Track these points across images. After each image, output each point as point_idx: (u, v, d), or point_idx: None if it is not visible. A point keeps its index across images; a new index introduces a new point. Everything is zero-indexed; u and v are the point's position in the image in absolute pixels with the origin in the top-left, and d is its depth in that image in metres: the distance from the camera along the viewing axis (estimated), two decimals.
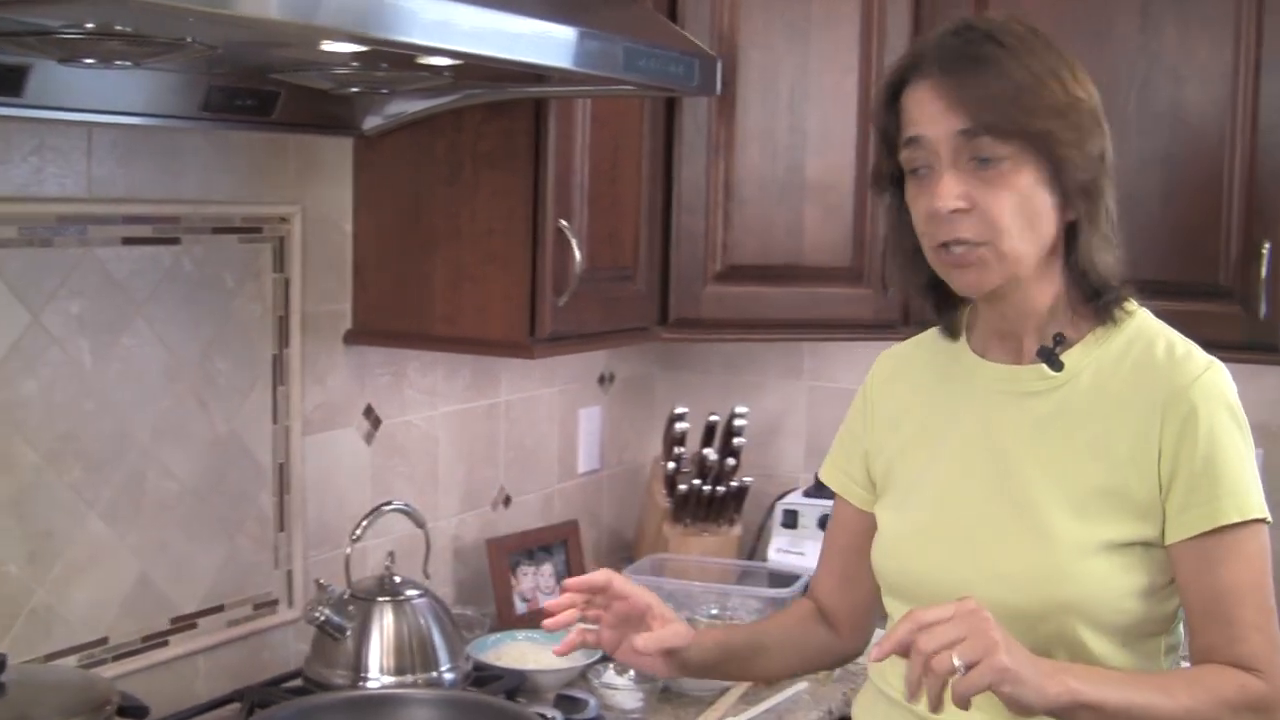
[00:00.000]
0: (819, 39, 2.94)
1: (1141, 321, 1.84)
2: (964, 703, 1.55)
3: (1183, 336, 1.83)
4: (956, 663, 1.54)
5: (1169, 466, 1.73)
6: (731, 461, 3.28)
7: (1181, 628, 1.86)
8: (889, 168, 1.84)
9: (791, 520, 3.28)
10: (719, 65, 2.33)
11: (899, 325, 3.02)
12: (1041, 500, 1.78)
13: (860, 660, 2.12)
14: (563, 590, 1.91)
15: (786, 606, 2.18)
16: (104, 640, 2.25)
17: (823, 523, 3.22)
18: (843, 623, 2.07)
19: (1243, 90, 2.73)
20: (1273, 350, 2.75)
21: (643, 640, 1.86)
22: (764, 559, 3.32)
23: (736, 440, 3.29)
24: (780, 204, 2.94)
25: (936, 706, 1.56)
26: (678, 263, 2.90)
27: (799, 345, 3.55)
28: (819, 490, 3.32)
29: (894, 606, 1.92)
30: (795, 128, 2.94)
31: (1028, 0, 2.84)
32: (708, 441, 3.31)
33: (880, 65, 2.94)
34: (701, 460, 3.29)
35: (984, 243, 1.73)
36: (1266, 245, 2.71)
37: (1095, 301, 1.81)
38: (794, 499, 3.33)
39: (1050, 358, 1.81)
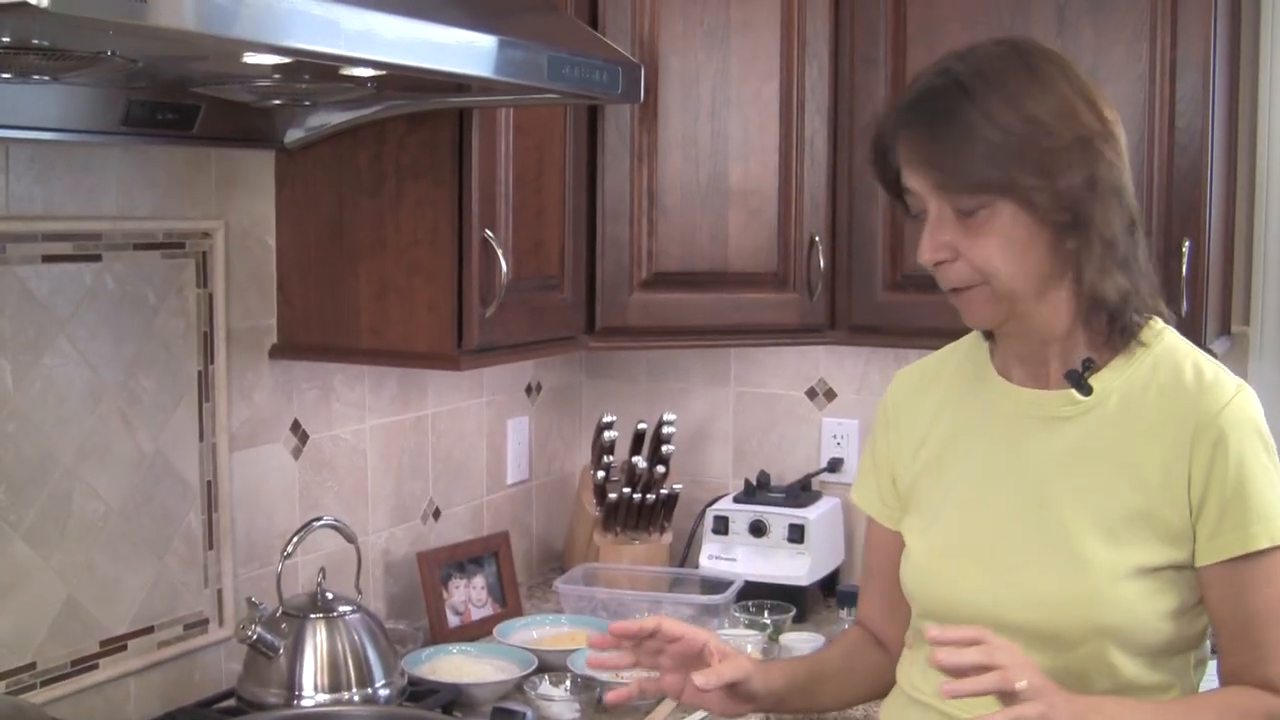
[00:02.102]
0: (739, 45, 2.95)
1: (1169, 343, 1.83)
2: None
3: (1210, 358, 1.83)
4: (1022, 685, 1.58)
5: (1199, 492, 1.74)
6: (661, 469, 3.28)
7: (1209, 642, 1.88)
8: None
9: (722, 526, 3.28)
10: (642, 72, 2.34)
11: (825, 329, 3.04)
12: (1073, 524, 1.78)
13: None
14: (611, 633, 1.89)
15: (841, 635, 2.18)
16: (31, 665, 2.21)
17: (754, 528, 3.23)
18: (893, 644, 2.05)
19: (1159, 91, 2.76)
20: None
21: (702, 677, 1.83)
22: (696, 566, 3.32)
23: (665, 448, 3.29)
24: (704, 210, 2.94)
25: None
26: (603, 271, 2.90)
27: (725, 351, 3.56)
28: (749, 496, 3.33)
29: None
30: (717, 133, 2.95)
31: (945, 5, 2.88)
32: (636, 450, 3.31)
33: (801, 70, 2.96)
34: (631, 468, 3.28)
35: (979, 284, 1.76)
36: (1186, 244, 2.74)
37: (1114, 326, 1.79)
38: (724, 505, 3.33)
39: (1079, 382, 1.80)
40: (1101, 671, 1.76)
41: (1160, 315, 1.85)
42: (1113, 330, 1.79)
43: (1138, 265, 1.77)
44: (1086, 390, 1.79)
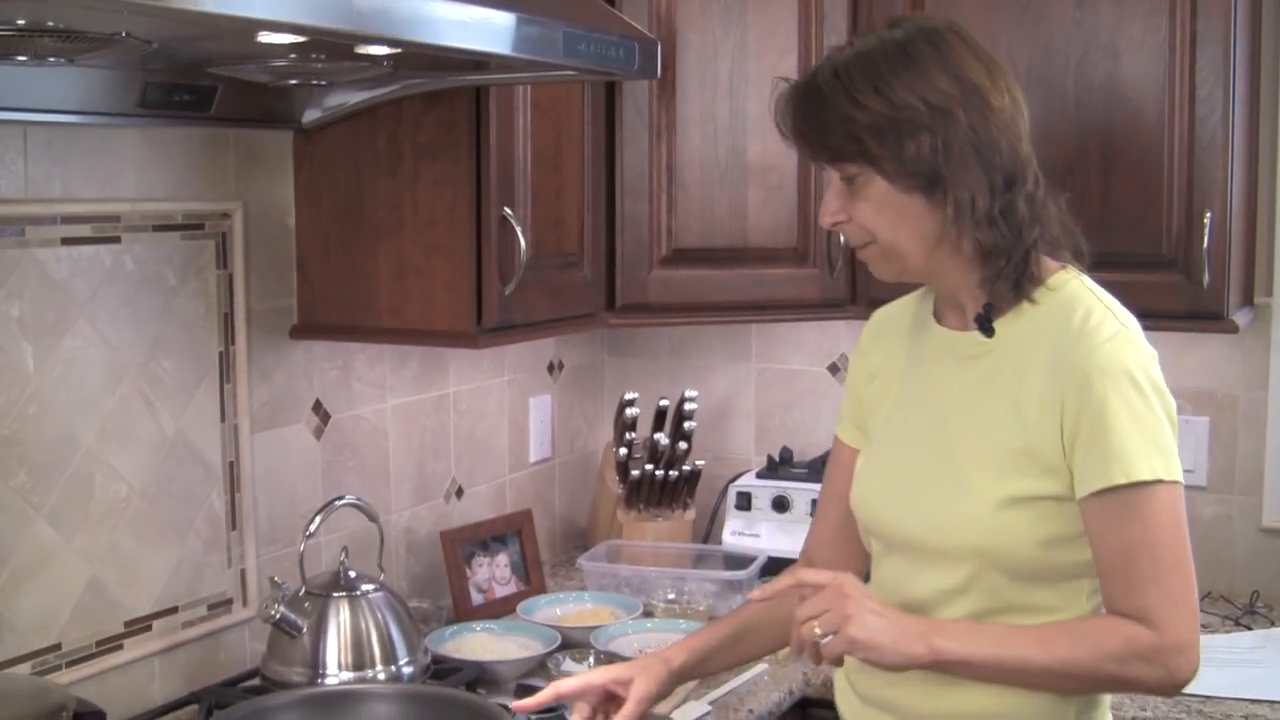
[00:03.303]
0: (756, 21, 2.94)
1: (1071, 291, 1.93)
2: (835, 661, 1.87)
3: (1111, 305, 1.91)
4: (818, 632, 1.81)
5: (1071, 430, 1.85)
6: (683, 446, 3.28)
7: None
8: None
9: (745, 502, 3.28)
10: (659, 48, 2.33)
11: (846, 304, 3.03)
12: (964, 454, 1.93)
13: None
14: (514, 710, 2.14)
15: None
16: (56, 646, 2.23)
17: (777, 504, 3.23)
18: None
19: (1179, 62, 2.74)
20: (1216, 319, 2.78)
21: (621, 717, 2.01)
22: (719, 542, 3.32)
23: (687, 424, 3.29)
24: (723, 187, 2.94)
25: (816, 662, 1.86)
26: (623, 248, 2.90)
27: (746, 327, 3.55)
28: (771, 472, 3.33)
29: (872, 544, 2.08)
30: (736, 109, 2.94)
31: None
32: (658, 426, 3.30)
33: (820, 45, 2.94)
34: (653, 445, 3.28)
35: (869, 242, 1.93)
36: (1208, 215, 2.73)
37: (1000, 276, 1.90)
38: (747, 481, 3.33)
39: (984, 324, 1.94)
40: (984, 590, 1.91)
41: (1080, 261, 1.96)
42: (999, 279, 1.90)
43: (1017, 218, 1.87)
44: (989, 333, 1.93)
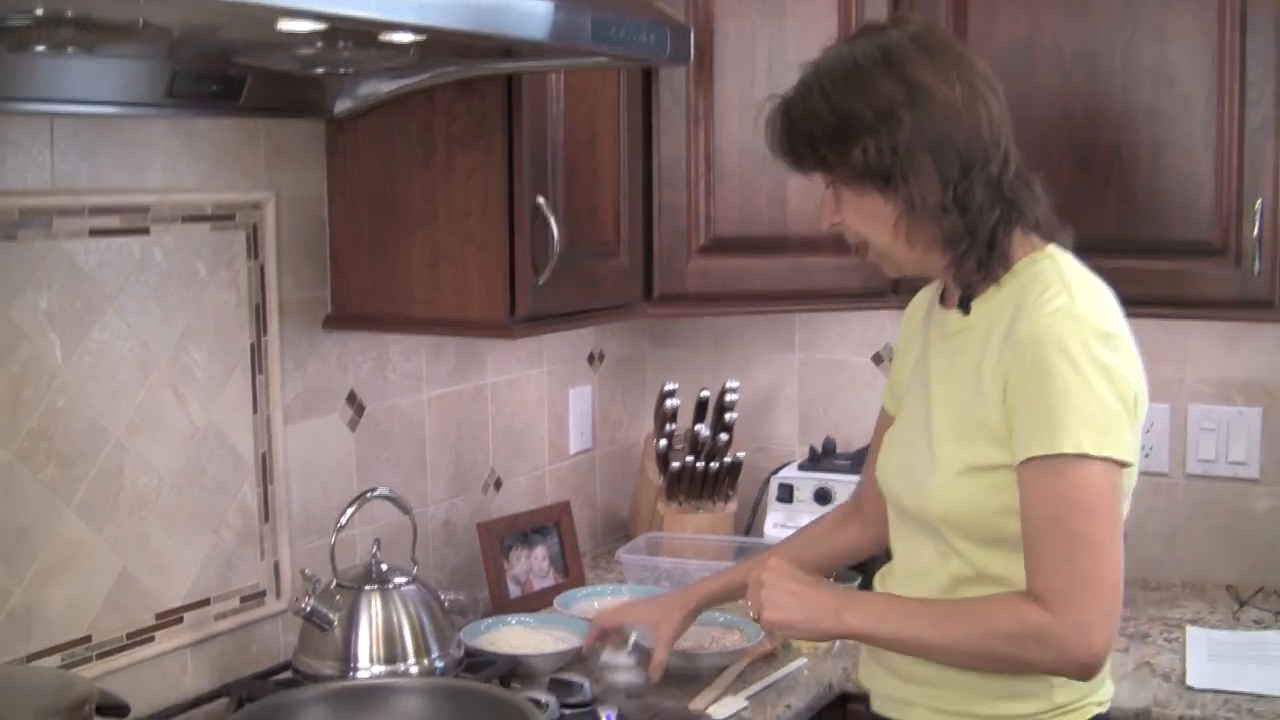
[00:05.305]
0: (795, 8, 2.90)
1: (1037, 270, 1.99)
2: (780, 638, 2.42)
3: (1073, 282, 1.96)
4: (752, 615, 2.11)
5: (1010, 399, 1.92)
6: (724, 437, 3.25)
7: None
8: None
9: (787, 495, 3.24)
10: (691, 33, 2.30)
11: (888, 293, 2.98)
12: (938, 425, 2.04)
13: None
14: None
15: (823, 516, 2.60)
16: (87, 638, 2.22)
17: (819, 496, 3.19)
18: (869, 516, 2.36)
19: (1229, 46, 2.69)
20: (1267, 307, 2.72)
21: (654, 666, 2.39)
22: (760, 534, 3.28)
23: (729, 415, 3.25)
24: (762, 174, 2.89)
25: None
26: (660, 237, 2.87)
27: (789, 317, 3.52)
28: (814, 463, 3.29)
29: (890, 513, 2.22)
30: (775, 97, 2.89)
31: None
32: (700, 418, 3.27)
33: None
34: (694, 437, 3.25)
35: (864, 243, 2.07)
36: (1259, 201, 2.67)
37: (964, 260, 1.99)
38: (789, 473, 3.29)
39: (963, 303, 2.05)
40: (959, 557, 2.01)
41: (1053, 239, 2.04)
42: (963, 262, 1.99)
43: (974, 204, 1.95)
44: (965, 310, 2.05)
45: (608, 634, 2.42)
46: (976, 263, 1.99)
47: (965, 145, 1.95)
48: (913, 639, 1.98)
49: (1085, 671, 1.90)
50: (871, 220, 2.02)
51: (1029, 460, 1.89)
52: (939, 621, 1.96)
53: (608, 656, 2.47)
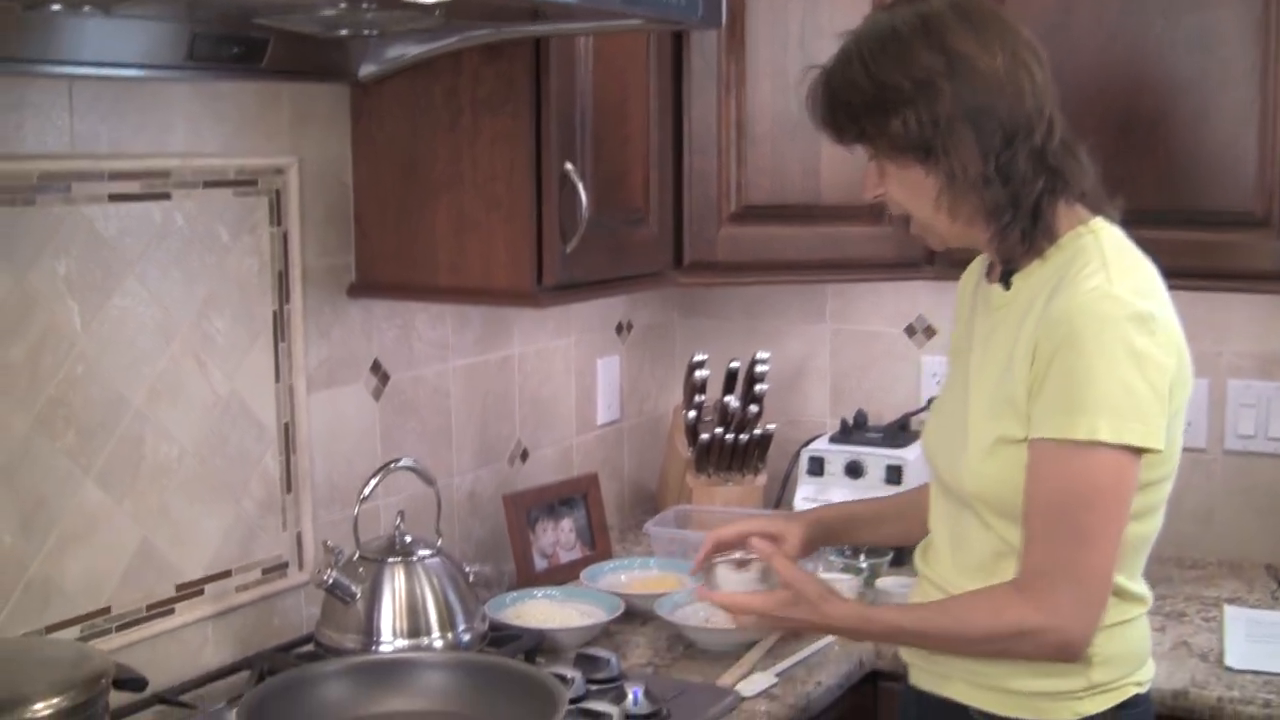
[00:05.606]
0: None
1: (1081, 245, 1.96)
2: None
3: (1112, 259, 1.92)
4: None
5: (1034, 376, 1.89)
6: (754, 409, 3.20)
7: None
8: None
9: (818, 468, 3.19)
10: None
11: (923, 264, 2.93)
12: (973, 400, 2.02)
13: None
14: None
15: (908, 490, 2.58)
16: (106, 610, 2.19)
17: (851, 469, 3.14)
18: None
19: (1274, 15, 2.62)
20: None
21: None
22: (790, 508, 3.23)
23: (759, 387, 3.21)
24: (794, 141, 2.84)
25: None
26: (690, 204, 2.82)
27: (821, 287, 3.47)
28: (845, 436, 3.25)
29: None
30: (808, 63, 2.82)
31: None
32: (729, 389, 3.23)
33: None
34: (724, 408, 3.21)
35: (908, 215, 2.05)
36: None
37: (1008, 233, 1.96)
38: (820, 445, 3.24)
39: (1004, 277, 2.03)
40: (994, 534, 1.99)
41: (1102, 211, 2.01)
42: (1006, 234, 1.95)
43: (1017, 174, 1.92)
44: (1007, 285, 2.02)
45: (723, 547, 2.27)
46: (1021, 234, 1.95)
47: (1007, 115, 1.92)
48: (906, 640, 2.10)
49: (1065, 657, 1.92)
50: (913, 193, 1.99)
51: (1041, 440, 1.88)
52: (925, 623, 2.02)
53: (724, 573, 2.25)
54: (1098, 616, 1.89)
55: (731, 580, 2.21)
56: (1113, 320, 1.85)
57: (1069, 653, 1.91)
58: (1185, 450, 2.01)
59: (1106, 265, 1.91)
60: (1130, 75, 2.72)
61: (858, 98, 1.96)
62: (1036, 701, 1.98)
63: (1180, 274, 2.09)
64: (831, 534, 2.40)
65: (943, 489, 2.11)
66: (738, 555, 2.23)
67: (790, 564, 2.10)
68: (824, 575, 2.78)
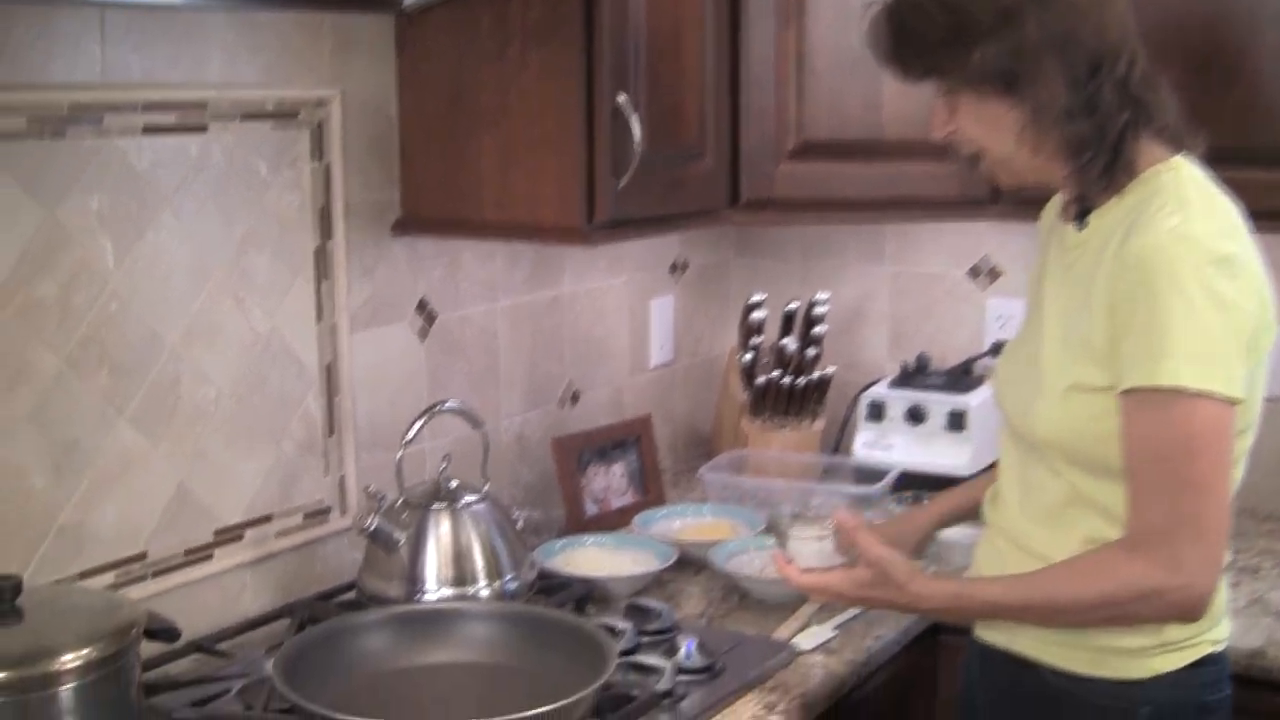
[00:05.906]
0: None
1: (1162, 182, 1.88)
2: None
3: (1190, 198, 1.85)
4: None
5: (1117, 321, 1.82)
6: (812, 351, 3.11)
7: None
8: None
9: (877, 413, 3.11)
10: None
11: (988, 203, 2.81)
12: (1047, 342, 1.95)
13: None
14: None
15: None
16: (142, 555, 2.13)
17: (912, 415, 3.05)
18: None
19: None
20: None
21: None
22: (849, 453, 3.15)
23: (817, 329, 3.11)
24: (855, 76, 2.72)
25: None
26: (747, 140, 2.71)
27: (881, 228, 3.36)
28: (905, 381, 3.15)
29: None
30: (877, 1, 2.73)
31: None
32: (786, 331, 3.14)
33: None
34: (780, 351, 3.11)
35: (979, 152, 1.96)
36: None
37: (1090, 169, 1.89)
38: (879, 390, 3.15)
39: (1079, 216, 1.96)
40: (1065, 481, 1.92)
41: (1184, 149, 1.92)
42: (1086, 170, 1.88)
43: (1103, 106, 1.85)
44: (1081, 225, 1.95)
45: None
46: (1102, 169, 1.88)
47: (1093, 43, 1.84)
48: (1007, 615, 1.97)
49: (1189, 615, 1.83)
50: (993, 127, 1.91)
51: (1130, 390, 1.80)
52: (1029, 596, 1.91)
53: (802, 544, 2.15)
54: (1219, 569, 1.83)
55: (810, 551, 2.12)
56: (1191, 262, 1.77)
57: (1196, 611, 1.82)
58: (1264, 399, 1.91)
59: (1185, 204, 1.83)
60: (1211, 6, 2.59)
61: (933, 31, 1.88)
62: (1108, 657, 1.91)
63: (1265, 215, 1.99)
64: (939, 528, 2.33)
65: (1012, 435, 2.04)
66: (817, 526, 2.14)
67: (874, 540, 1.98)
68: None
